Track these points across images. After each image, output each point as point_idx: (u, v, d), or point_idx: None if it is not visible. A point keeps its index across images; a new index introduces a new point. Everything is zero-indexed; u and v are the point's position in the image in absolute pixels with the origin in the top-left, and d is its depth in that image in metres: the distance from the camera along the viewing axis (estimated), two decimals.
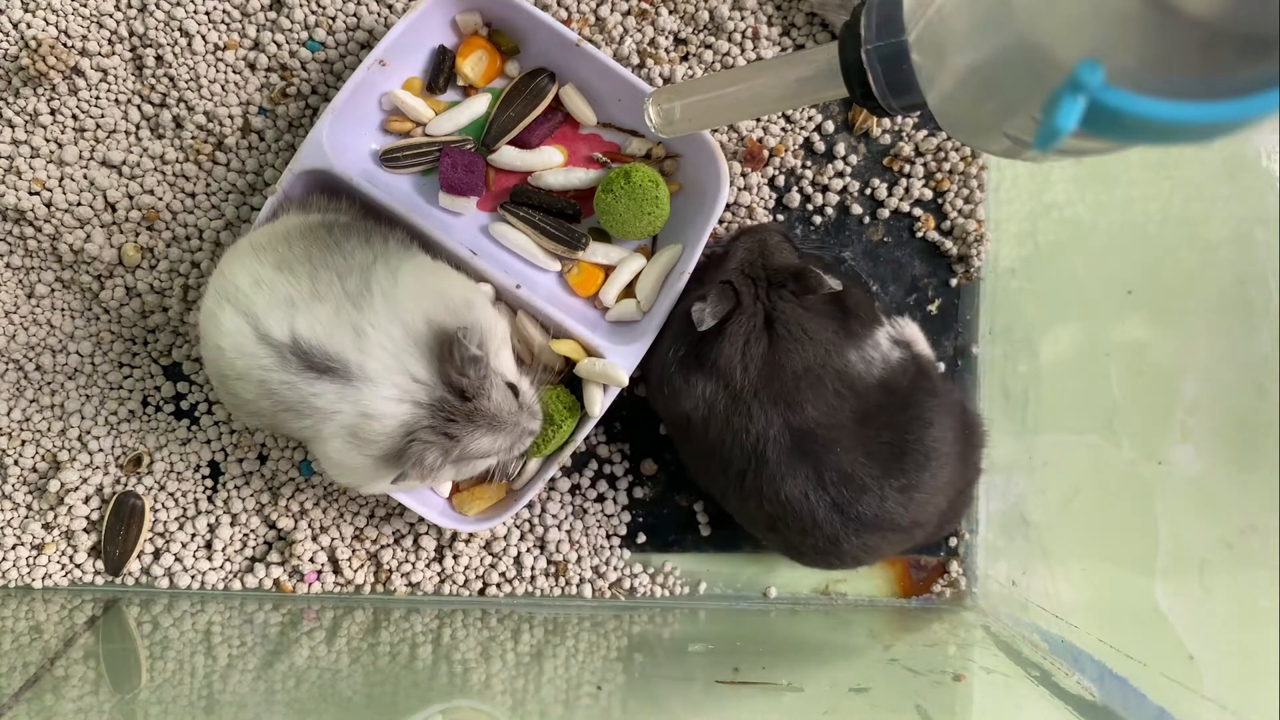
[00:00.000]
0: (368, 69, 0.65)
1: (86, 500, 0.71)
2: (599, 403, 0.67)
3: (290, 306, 0.55)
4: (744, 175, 0.73)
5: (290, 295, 0.55)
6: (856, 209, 0.74)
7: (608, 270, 0.71)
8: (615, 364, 0.66)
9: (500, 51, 0.70)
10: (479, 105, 0.69)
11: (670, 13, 0.72)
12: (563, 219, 0.70)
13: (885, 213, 0.74)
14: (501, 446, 0.59)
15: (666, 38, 0.72)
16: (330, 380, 0.54)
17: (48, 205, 0.70)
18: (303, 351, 0.54)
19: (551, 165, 0.70)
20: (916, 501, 0.62)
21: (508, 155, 0.69)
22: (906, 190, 0.74)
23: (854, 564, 0.66)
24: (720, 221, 0.72)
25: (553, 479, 0.73)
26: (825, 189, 0.74)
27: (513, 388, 0.59)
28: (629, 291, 0.71)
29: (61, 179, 0.70)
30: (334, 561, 0.72)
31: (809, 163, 0.74)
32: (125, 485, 0.71)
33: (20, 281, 0.71)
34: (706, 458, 0.65)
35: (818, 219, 0.74)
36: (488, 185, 0.70)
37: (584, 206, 0.70)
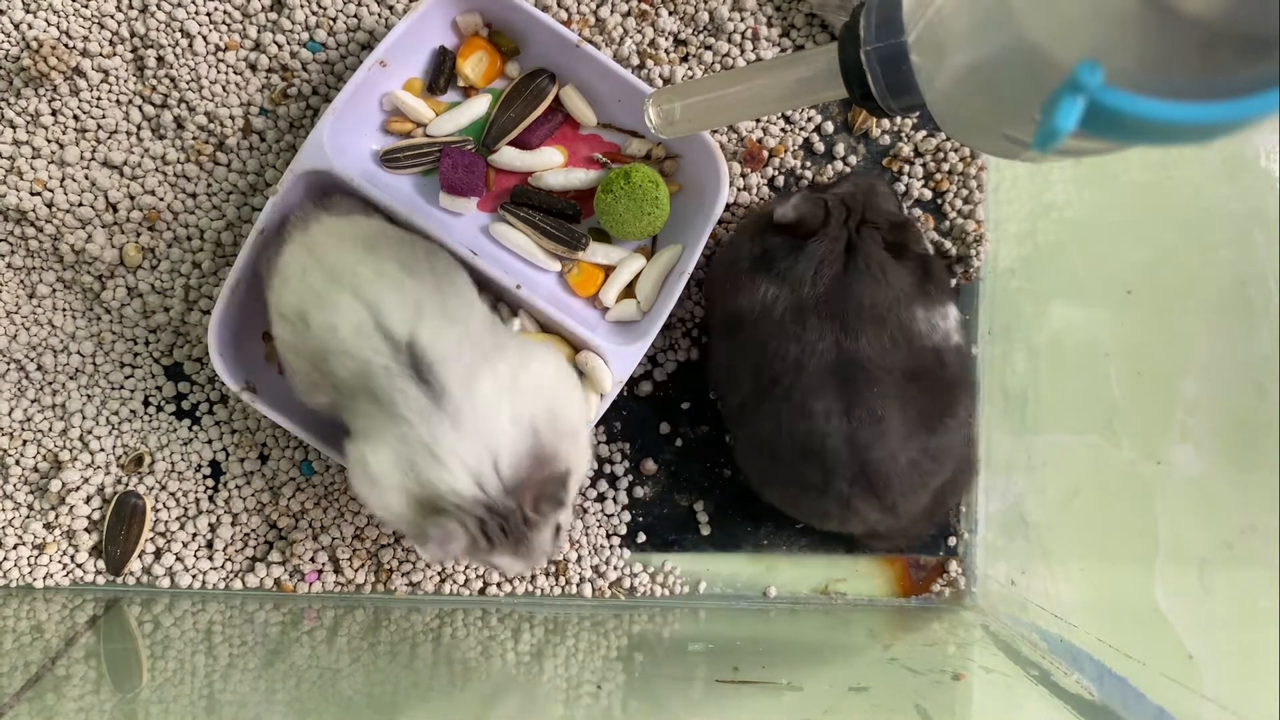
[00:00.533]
0: (368, 70, 0.65)
1: (88, 500, 0.71)
2: (594, 409, 0.67)
3: (418, 311, 0.55)
4: (744, 176, 0.73)
5: (420, 301, 0.55)
6: None
7: (608, 270, 0.71)
8: (602, 369, 0.66)
9: (500, 52, 0.70)
10: (479, 106, 0.69)
11: (670, 14, 0.72)
12: (563, 219, 0.70)
13: None
14: (515, 568, 0.58)
15: (666, 39, 0.72)
16: (424, 393, 0.54)
17: (49, 206, 0.70)
18: (416, 355, 0.54)
19: (551, 166, 0.70)
20: (918, 483, 0.62)
21: (508, 156, 0.69)
22: (906, 191, 0.74)
23: (835, 519, 0.65)
24: (720, 222, 0.72)
25: None
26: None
27: (557, 529, 0.58)
28: (629, 292, 0.71)
29: (63, 179, 0.70)
30: (334, 561, 0.72)
31: (809, 163, 0.74)
32: (126, 485, 0.71)
33: (22, 282, 0.71)
34: (745, 360, 0.64)
35: None
36: (488, 186, 0.71)
37: (584, 206, 0.70)
